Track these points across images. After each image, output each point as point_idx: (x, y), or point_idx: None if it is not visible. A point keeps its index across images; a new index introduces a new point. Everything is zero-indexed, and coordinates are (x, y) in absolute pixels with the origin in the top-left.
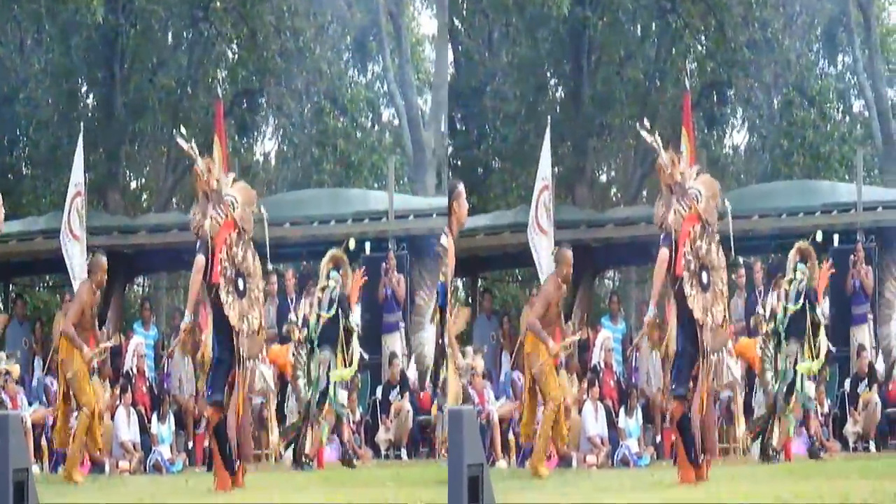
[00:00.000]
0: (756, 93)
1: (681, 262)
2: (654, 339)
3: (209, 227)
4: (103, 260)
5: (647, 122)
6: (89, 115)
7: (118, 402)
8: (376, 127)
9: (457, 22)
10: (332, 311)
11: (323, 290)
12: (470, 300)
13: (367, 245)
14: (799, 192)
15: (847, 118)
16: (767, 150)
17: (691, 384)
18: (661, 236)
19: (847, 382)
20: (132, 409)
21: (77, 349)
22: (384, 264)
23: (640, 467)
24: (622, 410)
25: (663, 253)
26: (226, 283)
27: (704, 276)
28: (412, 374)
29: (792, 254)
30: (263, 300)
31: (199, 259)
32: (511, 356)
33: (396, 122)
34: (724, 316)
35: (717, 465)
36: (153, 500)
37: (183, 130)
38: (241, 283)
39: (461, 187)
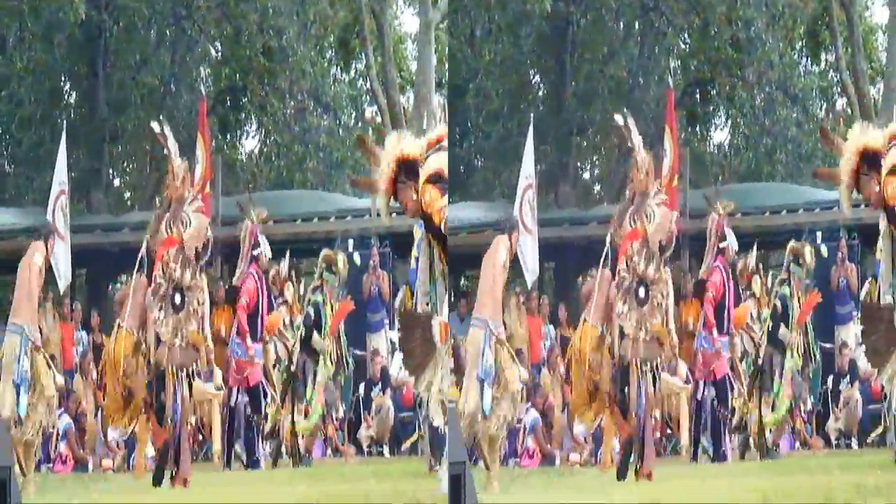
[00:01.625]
0: (739, 91)
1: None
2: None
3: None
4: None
5: (630, 121)
6: (72, 112)
7: (101, 400)
8: (359, 125)
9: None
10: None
11: (315, 289)
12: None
13: (350, 242)
14: (780, 191)
15: (830, 116)
16: (750, 147)
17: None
18: (604, 254)
19: (830, 379)
20: None
21: None
22: (371, 262)
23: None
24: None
25: (606, 274)
26: (158, 300)
27: (641, 291)
28: (395, 371)
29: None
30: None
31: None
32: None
33: (379, 119)
34: (663, 326)
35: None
36: (137, 498)
37: (156, 126)
38: (177, 297)
39: None
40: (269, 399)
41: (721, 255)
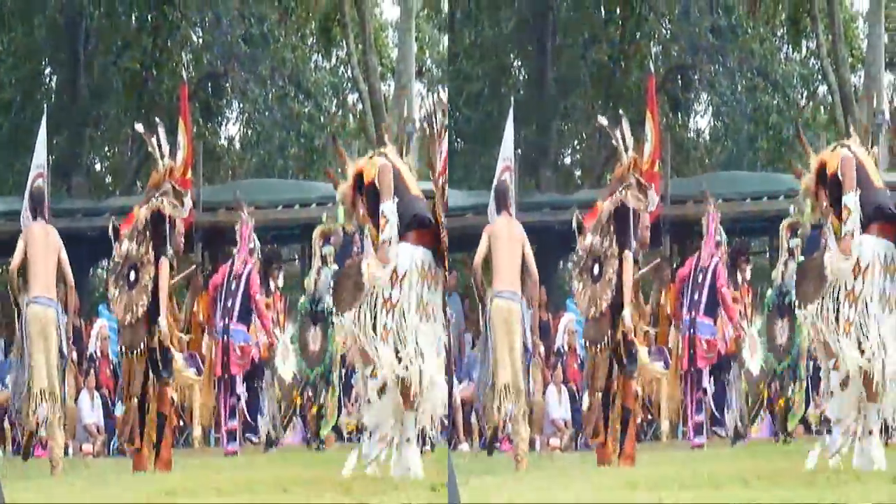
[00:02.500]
0: (720, 77)
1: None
2: None
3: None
4: None
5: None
6: (52, 96)
7: (82, 385)
8: (340, 112)
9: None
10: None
11: (319, 270)
12: None
13: None
14: (761, 179)
15: (811, 103)
16: (732, 134)
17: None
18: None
19: (811, 366)
20: (96, 392)
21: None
22: (353, 248)
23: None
24: (586, 394)
25: None
26: (116, 277)
27: (596, 268)
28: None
29: (783, 231)
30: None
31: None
32: (472, 337)
33: (360, 106)
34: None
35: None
36: (117, 483)
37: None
38: (132, 274)
39: None
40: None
41: (718, 247)
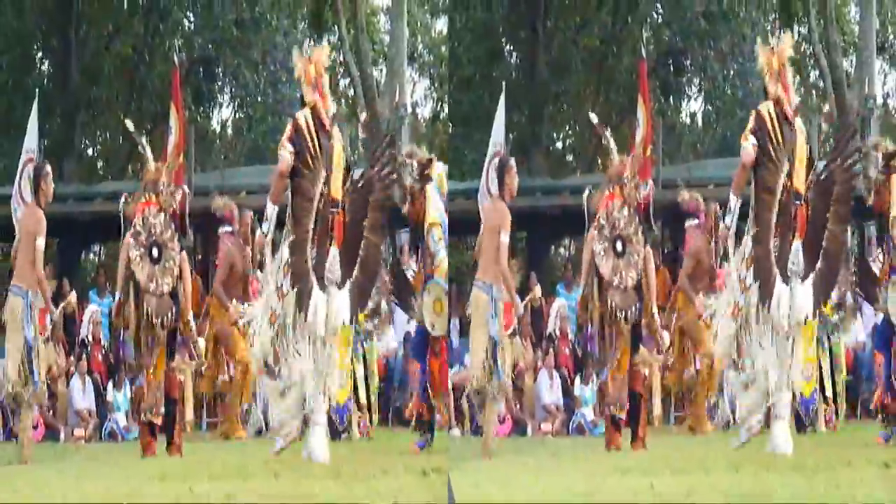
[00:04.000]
0: (712, 62)
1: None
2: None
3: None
4: (247, 214)
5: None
6: (44, 81)
7: (73, 369)
8: (332, 97)
9: None
10: None
11: None
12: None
13: None
14: None
15: (802, 88)
16: (723, 118)
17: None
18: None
19: None
20: (87, 377)
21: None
22: None
23: (595, 435)
24: (577, 378)
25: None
26: (137, 244)
27: (619, 244)
28: None
29: None
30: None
31: (127, 238)
32: (459, 323)
33: (352, 92)
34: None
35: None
36: (108, 468)
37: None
38: (155, 251)
39: (512, 161)
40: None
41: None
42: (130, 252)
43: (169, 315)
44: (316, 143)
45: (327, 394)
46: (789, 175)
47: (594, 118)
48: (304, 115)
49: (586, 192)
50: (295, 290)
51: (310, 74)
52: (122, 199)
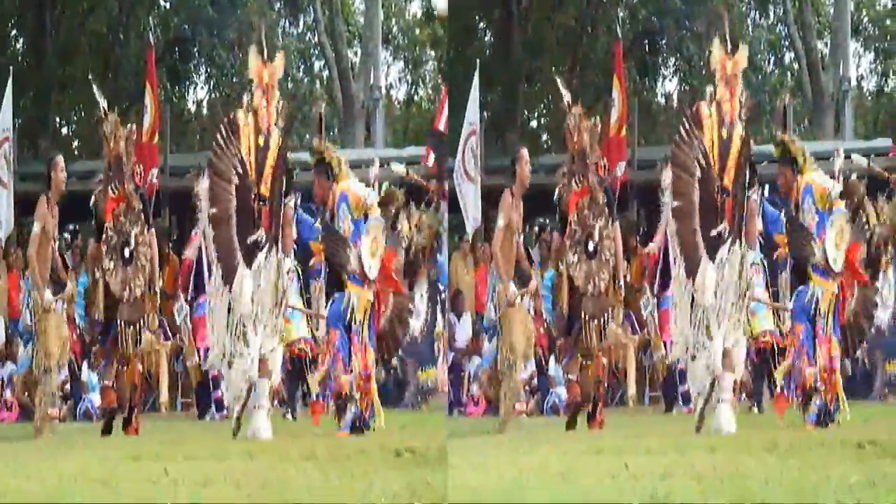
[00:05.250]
0: (687, 42)
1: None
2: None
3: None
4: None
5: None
6: (19, 59)
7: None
8: (307, 78)
9: None
10: None
11: None
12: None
13: (298, 196)
14: None
15: (778, 70)
16: (698, 99)
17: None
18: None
19: None
20: None
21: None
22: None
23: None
24: (552, 358)
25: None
26: (108, 251)
27: (591, 244)
28: None
29: None
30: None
31: (101, 247)
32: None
33: (326, 73)
34: (610, 283)
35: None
36: (83, 447)
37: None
38: (126, 251)
39: (524, 151)
40: None
41: None
42: (104, 262)
43: (140, 323)
44: (250, 146)
45: (269, 373)
46: (720, 172)
47: (567, 95)
48: (242, 115)
49: (556, 194)
50: (220, 266)
51: (262, 79)
52: (92, 199)
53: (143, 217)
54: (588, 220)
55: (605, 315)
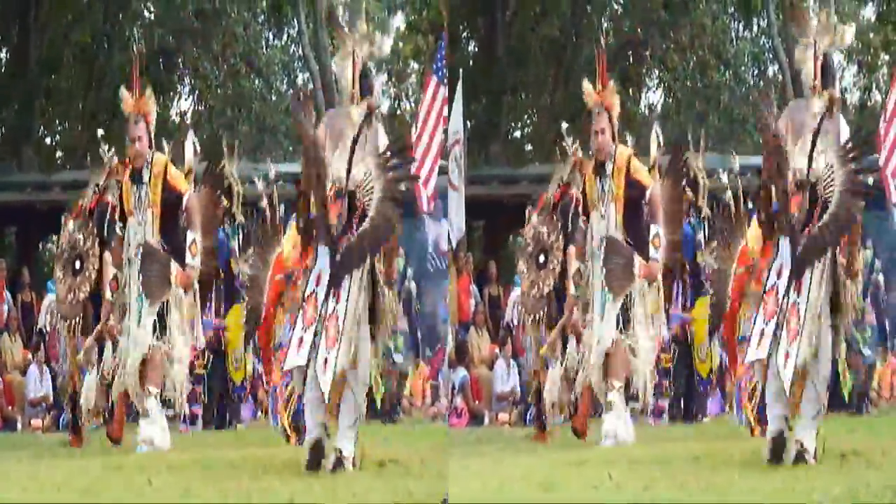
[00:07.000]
0: (672, 54)
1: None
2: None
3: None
4: None
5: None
6: (2, 69)
7: (31, 359)
8: (291, 90)
9: None
10: None
11: None
12: None
13: (282, 207)
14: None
15: (761, 82)
16: (682, 111)
17: None
18: None
19: None
20: (45, 367)
21: None
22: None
23: (553, 425)
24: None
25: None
26: (61, 263)
27: (542, 257)
28: None
29: None
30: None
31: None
32: None
33: (311, 85)
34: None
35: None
36: (65, 458)
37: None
38: (77, 263)
39: None
40: None
41: None
42: (56, 271)
43: (77, 319)
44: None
45: (155, 379)
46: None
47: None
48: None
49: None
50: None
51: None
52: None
53: (95, 231)
54: (542, 234)
55: (542, 312)
